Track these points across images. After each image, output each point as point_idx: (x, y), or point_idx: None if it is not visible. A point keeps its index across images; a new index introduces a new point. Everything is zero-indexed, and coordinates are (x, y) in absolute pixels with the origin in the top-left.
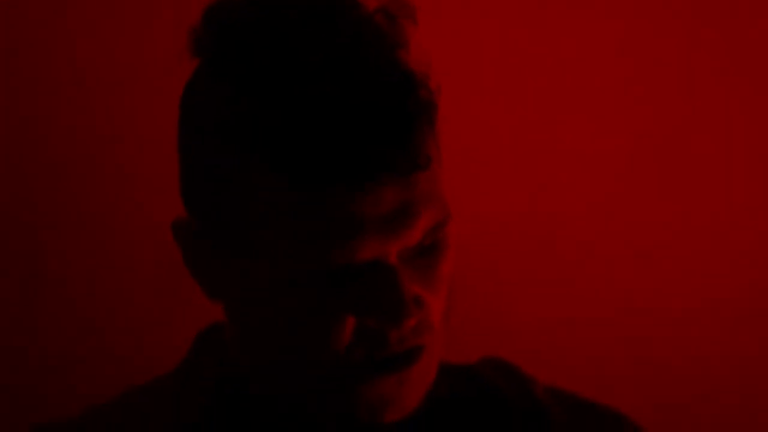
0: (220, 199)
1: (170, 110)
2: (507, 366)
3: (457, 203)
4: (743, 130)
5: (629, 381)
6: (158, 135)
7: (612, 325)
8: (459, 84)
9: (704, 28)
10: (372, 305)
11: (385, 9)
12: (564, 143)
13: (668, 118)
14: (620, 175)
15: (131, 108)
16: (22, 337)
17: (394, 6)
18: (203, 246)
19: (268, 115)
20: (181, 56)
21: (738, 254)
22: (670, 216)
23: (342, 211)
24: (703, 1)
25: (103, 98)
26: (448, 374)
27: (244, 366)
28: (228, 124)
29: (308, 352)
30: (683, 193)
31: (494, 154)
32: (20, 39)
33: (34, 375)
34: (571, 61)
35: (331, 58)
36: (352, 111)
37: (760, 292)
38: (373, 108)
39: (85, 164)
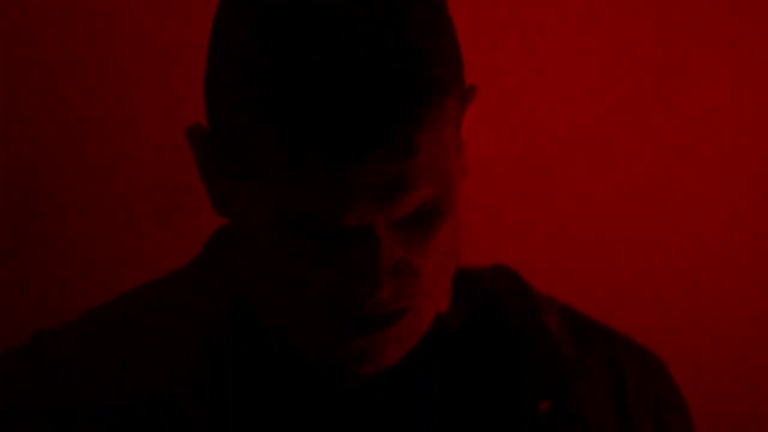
0: (228, 123)
1: (174, 32)
2: (520, 284)
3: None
4: (746, 68)
5: (633, 316)
6: (162, 58)
7: (612, 259)
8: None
9: None
10: (348, 270)
11: None
12: (565, 77)
13: (670, 52)
14: (620, 109)
15: (132, 33)
16: (20, 264)
17: None
18: (212, 156)
19: (275, 75)
20: None
21: (738, 193)
22: (671, 148)
23: (327, 180)
24: None
25: (106, 21)
26: (459, 288)
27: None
28: (241, 68)
29: (288, 297)
30: (684, 125)
31: (496, 94)
32: None
33: (34, 302)
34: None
35: (343, 33)
36: (349, 89)
37: (761, 224)
38: (369, 89)
39: (85, 88)
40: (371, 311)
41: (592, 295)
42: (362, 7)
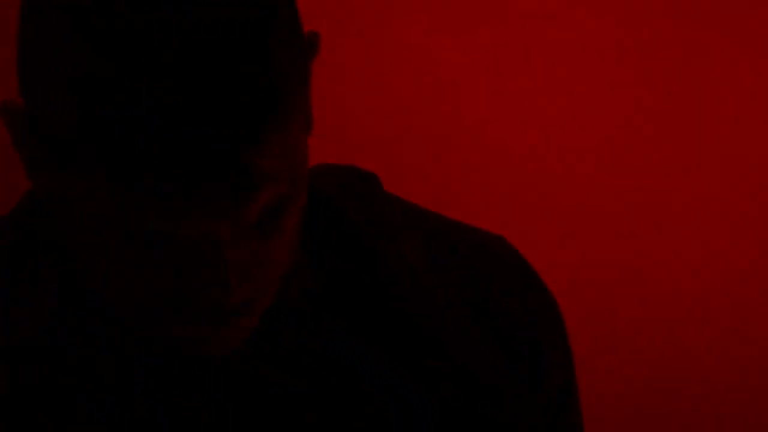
0: (43, 116)
1: None
2: (375, 204)
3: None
4: (750, 70)
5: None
6: None
7: (615, 266)
8: (466, 33)
9: None
10: (191, 276)
11: None
12: (569, 87)
13: (673, 60)
14: (623, 119)
15: None
16: None
17: None
18: (27, 138)
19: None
20: None
21: (738, 196)
22: (673, 156)
23: (156, 212)
24: None
25: None
26: (314, 223)
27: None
28: (57, 72)
29: (121, 288)
30: (692, 128)
31: (503, 100)
32: None
33: None
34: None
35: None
36: (173, 120)
37: (760, 237)
38: (198, 120)
39: None
40: (218, 310)
41: (593, 295)
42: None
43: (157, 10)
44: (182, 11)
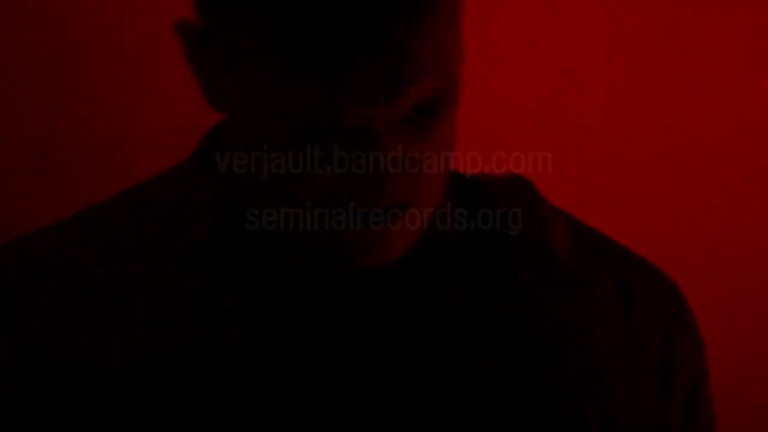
0: (217, 20)
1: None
2: (530, 194)
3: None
4: (754, 22)
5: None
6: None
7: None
8: None
9: None
10: (351, 169)
11: None
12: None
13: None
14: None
15: None
16: None
17: None
18: (203, 51)
19: None
20: None
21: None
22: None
23: (318, 83)
24: None
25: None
26: (465, 193)
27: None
28: None
29: (289, 191)
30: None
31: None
32: None
33: None
34: None
35: None
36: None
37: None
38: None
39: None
40: (375, 206)
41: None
42: None
43: None
44: None
